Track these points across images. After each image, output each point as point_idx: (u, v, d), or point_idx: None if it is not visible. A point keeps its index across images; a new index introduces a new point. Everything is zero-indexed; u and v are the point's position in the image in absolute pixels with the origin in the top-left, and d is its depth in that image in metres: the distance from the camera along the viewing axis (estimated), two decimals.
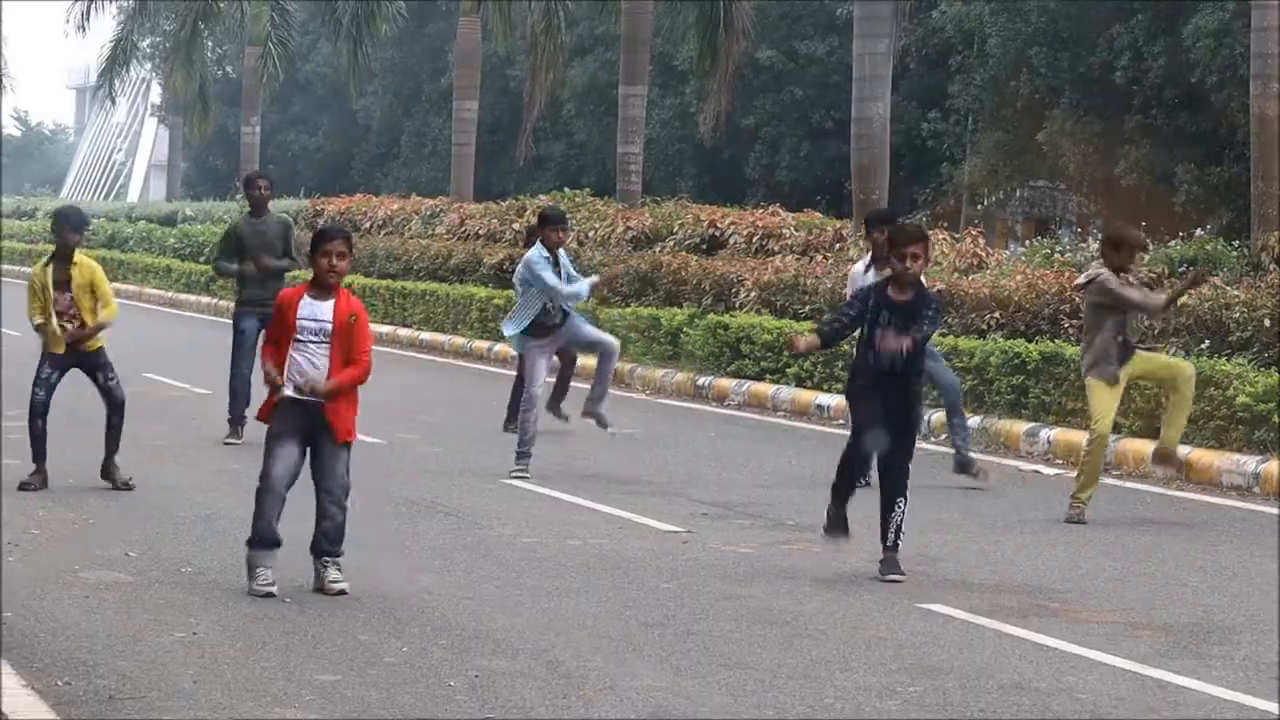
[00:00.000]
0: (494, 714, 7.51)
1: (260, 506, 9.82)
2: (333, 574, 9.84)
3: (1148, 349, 13.64)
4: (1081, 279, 13.45)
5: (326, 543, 9.86)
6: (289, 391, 9.80)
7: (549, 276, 14.61)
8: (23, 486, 13.07)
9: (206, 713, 7.42)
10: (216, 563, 10.58)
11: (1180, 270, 18.48)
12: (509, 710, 7.57)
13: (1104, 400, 13.09)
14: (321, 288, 9.86)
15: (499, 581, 10.31)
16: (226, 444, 15.90)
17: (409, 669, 8.21)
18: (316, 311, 9.80)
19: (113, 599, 9.55)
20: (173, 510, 12.52)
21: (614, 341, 15.51)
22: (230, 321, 16.76)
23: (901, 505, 10.69)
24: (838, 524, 10.95)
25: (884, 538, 10.72)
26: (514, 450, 14.62)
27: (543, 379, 14.86)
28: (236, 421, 16.11)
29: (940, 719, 7.64)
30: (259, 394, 10.41)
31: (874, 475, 11.43)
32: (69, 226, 13.25)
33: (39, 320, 13.20)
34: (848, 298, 11.31)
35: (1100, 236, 14.43)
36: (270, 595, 9.66)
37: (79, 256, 13.25)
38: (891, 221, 13.80)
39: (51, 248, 13.51)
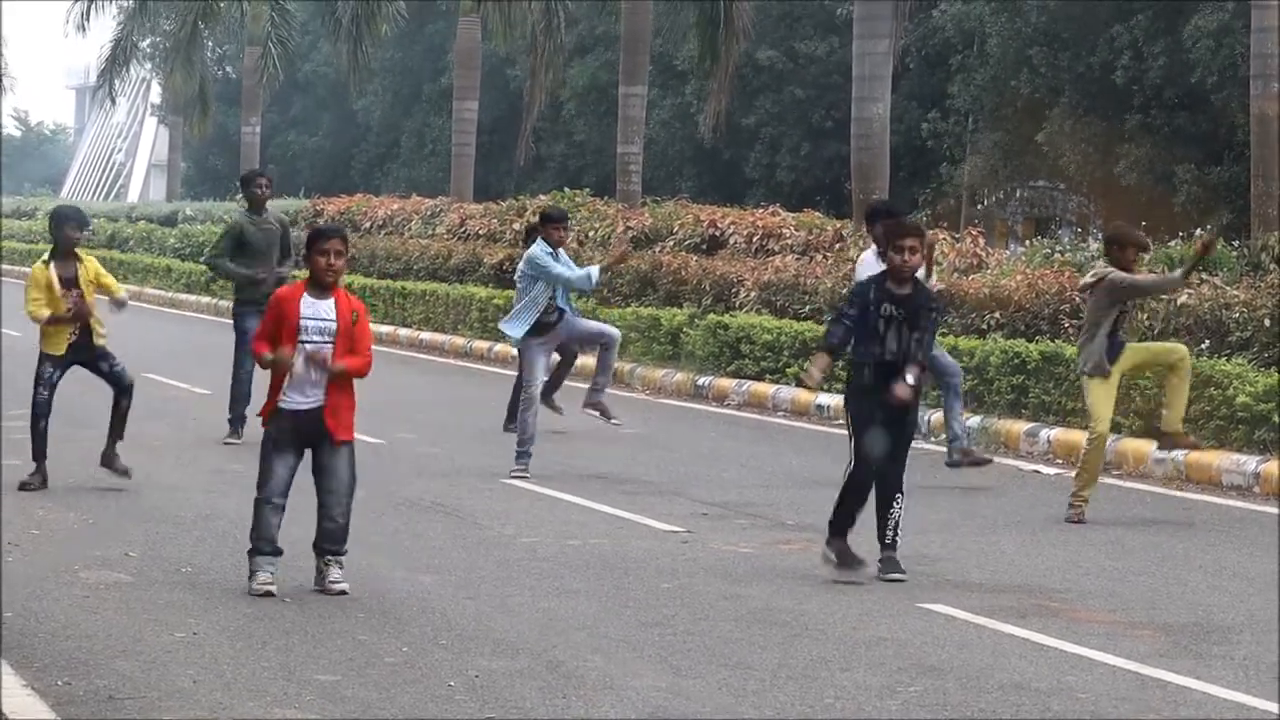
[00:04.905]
0: (494, 714, 7.50)
1: (260, 518, 9.83)
2: (334, 573, 9.83)
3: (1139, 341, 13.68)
4: (1089, 278, 13.42)
5: (329, 542, 9.85)
6: (298, 366, 9.72)
7: (557, 268, 14.73)
8: (23, 486, 13.07)
9: (206, 713, 7.42)
10: (216, 563, 10.58)
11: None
12: (509, 710, 7.56)
13: (1101, 399, 13.11)
14: (320, 286, 9.85)
15: (499, 581, 10.31)
16: (226, 444, 15.89)
17: (409, 669, 8.21)
18: (319, 310, 9.78)
19: (113, 599, 9.55)
20: (172, 510, 12.52)
21: (615, 332, 15.87)
22: (230, 321, 16.76)
23: (900, 502, 10.65)
24: (850, 559, 10.59)
25: (881, 537, 10.65)
26: (514, 450, 14.63)
27: (541, 377, 14.92)
28: (237, 421, 16.11)
29: (940, 719, 7.64)
30: (260, 395, 10.40)
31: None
32: (72, 224, 13.29)
33: (47, 313, 13.14)
34: (850, 291, 11.16)
35: (1103, 237, 14.40)
36: (269, 595, 9.66)
37: (82, 254, 13.27)
38: (891, 214, 13.82)
39: (45, 246, 13.51)
